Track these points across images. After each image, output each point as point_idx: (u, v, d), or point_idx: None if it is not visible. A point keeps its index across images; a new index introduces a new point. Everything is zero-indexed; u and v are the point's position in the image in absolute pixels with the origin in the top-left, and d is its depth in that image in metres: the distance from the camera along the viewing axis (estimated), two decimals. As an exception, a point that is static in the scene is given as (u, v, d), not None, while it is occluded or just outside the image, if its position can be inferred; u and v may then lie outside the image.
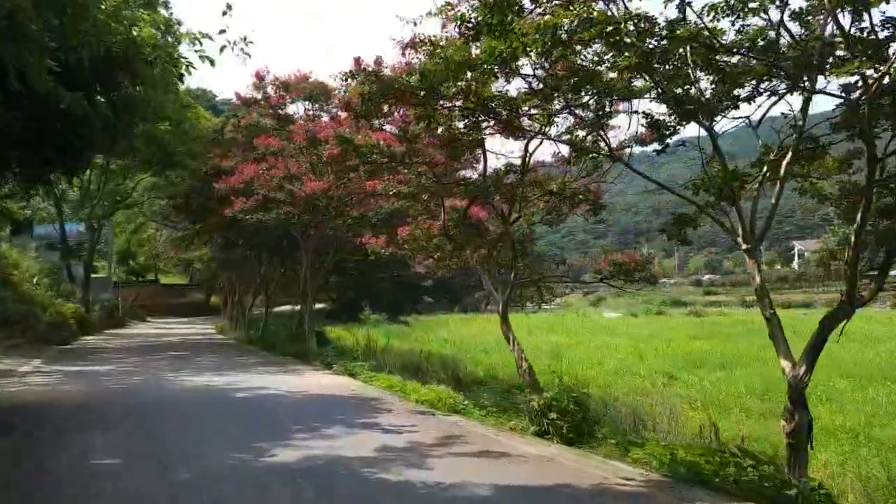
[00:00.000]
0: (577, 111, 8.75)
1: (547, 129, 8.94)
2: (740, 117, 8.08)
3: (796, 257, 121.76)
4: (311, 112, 21.80)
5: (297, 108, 22.04)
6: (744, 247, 7.33)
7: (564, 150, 11.04)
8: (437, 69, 7.41)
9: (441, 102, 8.41)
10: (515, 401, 10.99)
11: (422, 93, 8.02)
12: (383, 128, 12.24)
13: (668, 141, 9.01)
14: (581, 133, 9.74)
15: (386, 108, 11.51)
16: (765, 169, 7.65)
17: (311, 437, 8.69)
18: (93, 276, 44.51)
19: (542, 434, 9.03)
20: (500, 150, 11.79)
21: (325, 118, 21.47)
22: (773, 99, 7.67)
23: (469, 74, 7.95)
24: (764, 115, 7.79)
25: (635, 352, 32.40)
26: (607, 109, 8.63)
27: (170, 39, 10.76)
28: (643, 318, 68.23)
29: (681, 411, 14.05)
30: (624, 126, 10.71)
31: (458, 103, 8.43)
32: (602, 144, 9.33)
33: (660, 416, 13.00)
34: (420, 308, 58.93)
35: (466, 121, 8.98)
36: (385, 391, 13.87)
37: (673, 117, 8.40)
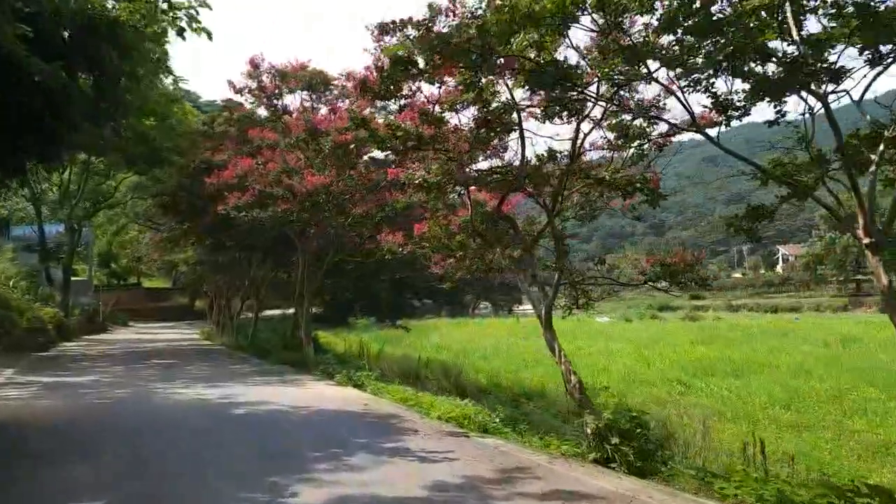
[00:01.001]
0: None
1: (612, 99, 7.62)
2: (841, 91, 6.86)
3: (780, 261, 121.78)
4: (309, 103, 20.36)
5: (293, 100, 20.65)
6: (865, 241, 6.07)
7: (603, 137, 9.80)
8: (502, 19, 6.09)
9: (495, 61, 7.07)
10: (533, 412, 9.74)
11: (474, 56, 6.70)
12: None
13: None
14: (629, 118, 8.52)
15: (407, 88, 10.29)
16: (881, 147, 6.41)
17: (335, 468, 7.30)
18: (73, 279, 42.83)
19: (604, 462, 7.72)
20: (535, 134, 10.23)
21: (324, 111, 20.06)
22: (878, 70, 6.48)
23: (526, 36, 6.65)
24: (868, 86, 6.60)
25: (640, 358, 31.28)
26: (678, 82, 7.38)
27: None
28: (638, 322, 67.35)
29: (711, 424, 12.96)
30: (675, 112, 9.51)
31: (510, 69, 7.11)
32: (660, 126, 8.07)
33: (686, 428, 11.83)
34: (408, 312, 57.49)
35: (524, 88, 7.67)
36: (400, 406, 12.53)
37: (743, 94, 7.21)
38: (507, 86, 9.04)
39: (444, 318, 62.47)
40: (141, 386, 15.21)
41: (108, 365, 20.71)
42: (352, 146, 16.58)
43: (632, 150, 9.35)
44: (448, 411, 11.33)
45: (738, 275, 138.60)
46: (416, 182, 10.29)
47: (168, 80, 27.60)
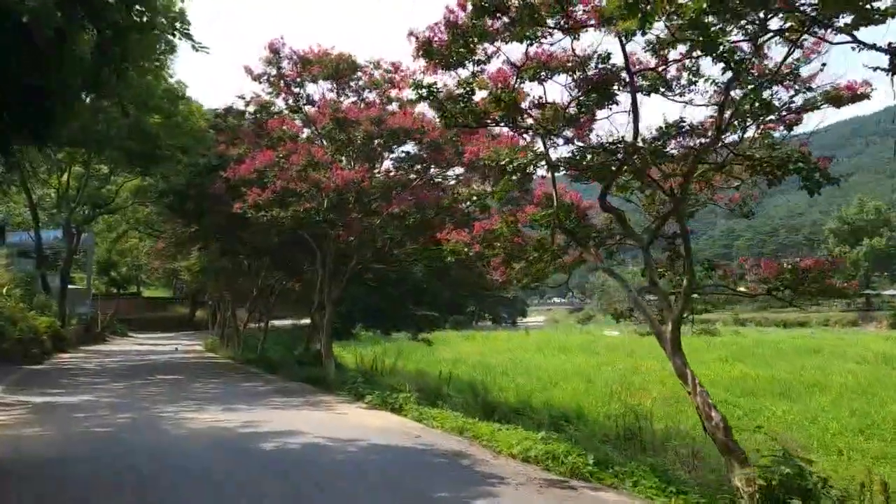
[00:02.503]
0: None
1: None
2: None
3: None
4: (332, 94, 18.33)
5: (316, 91, 18.60)
6: None
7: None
8: None
9: None
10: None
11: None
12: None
13: None
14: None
15: (482, 51, 8.33)
16: None
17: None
18: (70, 287, 40.80)
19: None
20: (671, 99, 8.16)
21: (347, 102, 18.03)
22: None
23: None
24: None
25: (672, 375, 29.30)
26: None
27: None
28: (651, 337, 65.09)
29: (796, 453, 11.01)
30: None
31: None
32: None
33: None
34: (411, 324, 55.35)
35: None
36: (459, 437, 10.54)
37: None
38: (620, 42, 7.08)
39: (448, 331, 60.31)
40: (145, 408, 13.14)
41: (107, 381, 18.63)
42: (386, 134, 14.64)
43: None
44: (522, 447, 9.35)
45: (741, 288, 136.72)
46: (506, 162, 8.27)
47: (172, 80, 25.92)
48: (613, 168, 7.77)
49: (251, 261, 26.51)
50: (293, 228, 17.13)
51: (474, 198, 9.17)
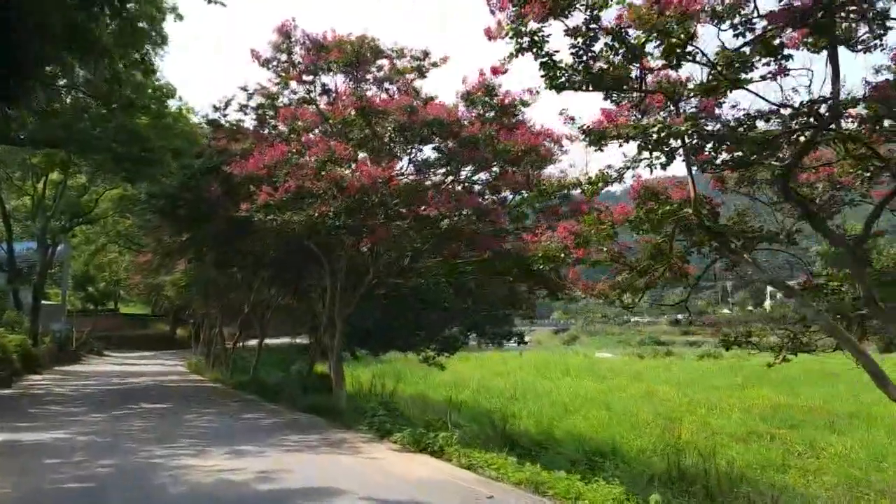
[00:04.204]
0: None
1: None
2: None
3: (768, 297, 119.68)
4: (345, 86, 16.07)
5: (330, 82, 16.32)
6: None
7: None
8: None
9: None
10: None
11: None
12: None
13: None
14: None
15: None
16: None
17: None
18: (44, 302, 38.03)
19: None
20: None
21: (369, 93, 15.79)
22: None
23: None
24: None
25: (694, 403, 27.35)
26: None
27: None
28: (651, 360, 63.25)
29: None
30: None
31: None
32: None
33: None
34: (400, 344, 52.66)
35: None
36: (537, 496, 8.25)
37: None
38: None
39: (434, 351, 57.60)
40: (132, 450, 10.67)
41: (84, 410, 16.09)
42: (420, 126, 12.44)
43: None
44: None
45: (725, 311, 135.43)
46: (654, 131, 6.09)
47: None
48: (800, 138, 5.61)
49: (246, 274, 24.07)
50: (304, 236, 14.84)
51: (586, 185, 7.04)
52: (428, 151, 15.46)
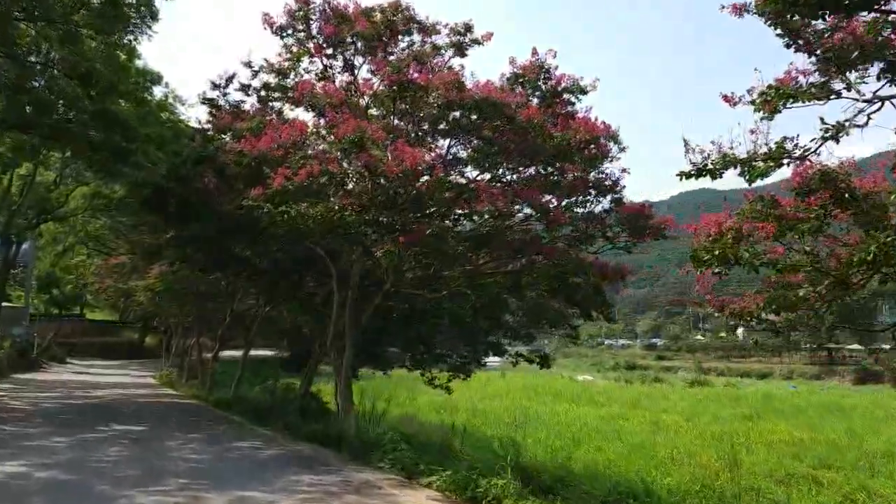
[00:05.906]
0: None
1: None
2: None
3: (740, 325, 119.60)
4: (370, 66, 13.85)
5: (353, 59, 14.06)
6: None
7: None
8: None
9: None
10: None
11: None
12: None
13: None
14: None
15: None
16: None
17: None
18: (5, 304, 35.06)
19: None
20: None
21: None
22: None
23: None
24: None
25: (707, 435, 25.53)
26: None
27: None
28: (640, 385, 61.74)
29: None
30: None
31: None
32: None
33: None
34: (375, 362, 50.27)
35: None
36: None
37: None
38: None
39: (446, 371, 55.17)
40: (107, 498, 8.25)
41: (44, 433, 13.49)
42: (469, 106, 10.34)
43: None
44: None
45: (699, 336, 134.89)
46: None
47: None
48: None
49: (234, 280, 21.61)
50: (317, 235, 12.52)
51: (760, 162, 5.07)
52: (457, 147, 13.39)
